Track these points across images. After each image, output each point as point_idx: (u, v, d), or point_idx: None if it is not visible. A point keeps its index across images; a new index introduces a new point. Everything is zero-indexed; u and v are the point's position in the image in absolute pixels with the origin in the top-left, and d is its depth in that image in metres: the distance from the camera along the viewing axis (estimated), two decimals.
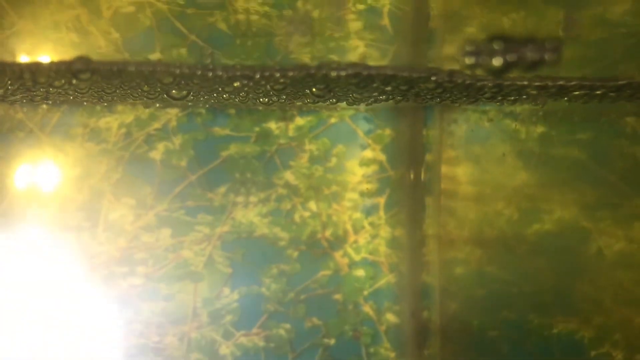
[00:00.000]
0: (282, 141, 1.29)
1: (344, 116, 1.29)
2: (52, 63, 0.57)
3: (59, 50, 1.13)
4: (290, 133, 1.29)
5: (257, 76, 0.60)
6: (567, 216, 1.27)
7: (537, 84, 0.59)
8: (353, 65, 0.58)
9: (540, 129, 1.26)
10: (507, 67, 0.44)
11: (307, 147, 1.29)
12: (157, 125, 1.24)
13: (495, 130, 1.28)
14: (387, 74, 0.58)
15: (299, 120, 1.29)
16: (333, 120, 1.29)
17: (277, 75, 0.60)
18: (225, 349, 1.27)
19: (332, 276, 1.30)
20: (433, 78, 0.58)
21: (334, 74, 0.58)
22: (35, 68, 0.59)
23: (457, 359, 1.32)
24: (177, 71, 0.59)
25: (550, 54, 0.43)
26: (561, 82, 0.62)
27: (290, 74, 0.59)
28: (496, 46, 0.43)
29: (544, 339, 1.26)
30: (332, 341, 1.30)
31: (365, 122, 1.30)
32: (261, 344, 1.28)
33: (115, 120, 1.23)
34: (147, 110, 1.23)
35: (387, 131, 1.31)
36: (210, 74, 0.60)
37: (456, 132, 1.32)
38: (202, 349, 1.26)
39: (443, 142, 1.33)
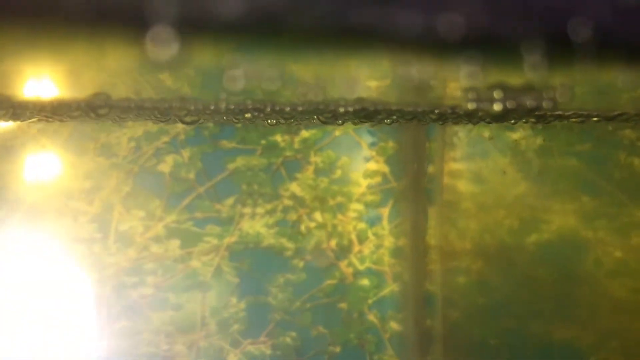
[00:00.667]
0: (288, 153, 1.32)
1: (348, 129, 1.32)
2: (72, 100, 0.60)
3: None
4: (296, 145, 1.32)
5: (268, 109, 0.63)
6: (566, 226, 1.29)
7: (536, 113, 0.62)
8: (359, 100, 0.61)
9: (539, 140, 1.29)
10: (506, 112, 0.47)
11: (313, 159, 1.32)
12: (165, 138, 1.27)
13: (496, 142, 1.30)
14: (392, 109, 0.61)
15: (305, 133, 1.32)
16: (337, 133, 1.32)
17: (288, 109, 0.63)
18: (233, 357, 1.30)
19: (337, 285, 1.34)
20: (436, 111, 0.61)
21: (341, 109, 0.61)
22: (56, 104, 0.62)
23: None
24: (192, 107, 0.62)
25: (548, 102, 0.46)
26: (559, 112, 0.65)
27: (300, 108, 0.62)
28: (496, 95, 0.46)
29: (544, 346, 1.29)
30: (338, 349, 1.33)
31: (369, 135, 1.33)
32: (268, 352, 1.31)
33: (125, 134, 1.26)
34: (156, 125, 1.26)
35: (391, 143, 1.34)
36: (224, 107, 0.62)
37: (458, 145, 1.35)
38: (211, 357, 1.29)
39: (445, 154, 1.36)
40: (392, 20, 0.31)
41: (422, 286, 1.36)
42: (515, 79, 0.43)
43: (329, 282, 1.33)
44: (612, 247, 1.27)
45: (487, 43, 0.33)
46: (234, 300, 1.30)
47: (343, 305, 1.34)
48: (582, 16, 0.31)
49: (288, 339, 1.32)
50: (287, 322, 1.32)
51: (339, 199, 1.33)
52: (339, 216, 1.33)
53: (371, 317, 1.35)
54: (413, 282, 1.35)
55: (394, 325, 1.35)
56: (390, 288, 1.35)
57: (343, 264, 1.33)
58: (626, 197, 1.23)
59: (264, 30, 0.31)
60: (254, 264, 1.31)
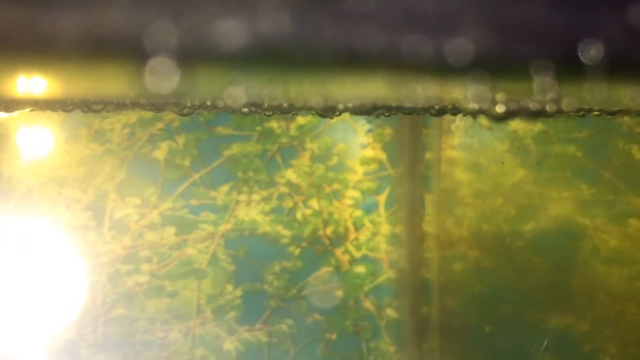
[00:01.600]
0: (283, 140, 1.30)
1: (345, 115, 1.31)
2: (67, 98, 0.58)
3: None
4: (292, 132, 1.31)
5: (266, 105, 0.62)
6: (563, 213, 1.29)
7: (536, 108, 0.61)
8: (358, 97, 0.60)
9: (538, 127, 1.28)
10: (509, 114, 0.46)
11: (309, 145, 1.31)
12: (160, 125, 1.26)
13: (494, 129, 1.29)
14: (391, 105, 0.60)
15: (301, 120, 1.30)
16: (334, 120, 1.31)
17: (285, 105, 0.62)
18: (229, 344, 1.30)
19: (333, 273, 1.33)
20: (436, 107, 0.60)
21: (340, 106, 0.60)
22: (50, 101, 0.61)
23: (455, 352, 1.36)
24: (189, 103, 0.61)
25: (551, 104, 0.45)
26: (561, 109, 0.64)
27: (298, 105, 0.61)
28: (499, 97, 0.45)
29: (540, 334, 1.29)
30: (334, 336, 1.33)
31: (365, 121, 1.32)
32: (264, 339, 1.31)
33: (119, 120, 1.24)
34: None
35: (387, 130, 1.33)
36: (221, 104, 0.61)
37: (455, 132, 1.34)
38: (207, 345, 1.29)
39: (442, 141, 1.35)
40: (399, 46, 0.30)
41: (419, 273, 1.35)
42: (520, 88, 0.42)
43: (325, 269, 1.33)
44: (609, 234, 1.27)
45: (496, 66, 0.32)
46: (229, 287, 1.30)
47: (339, 292, 1.34)
48: (592, 37, 0.30)
49: (284, 326, 1.32)
50: (283, 309, 1.32)
51: (335, 186, 1.32)
52: (335, 203, 1.32)
53: (367, 305, 1.34)
54: (409, 269, 1.35)
55: (390, 313, 1.35)
56: (387, 275, 1.35)
57: (339, 251, 1.33)
58: (624, 185, 1.23)
59: (267, 60, 0.30)
60: (250, 251, 1.30)
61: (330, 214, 1.32)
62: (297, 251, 1.32)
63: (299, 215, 1.31)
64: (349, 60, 0.30)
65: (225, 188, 1.29)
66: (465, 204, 1.33)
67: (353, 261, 1.34)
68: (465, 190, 1.33)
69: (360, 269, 1.34)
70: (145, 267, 1.26)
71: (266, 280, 1.31)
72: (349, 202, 1.33)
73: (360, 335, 1.34)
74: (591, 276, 1.26)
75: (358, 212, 1.33)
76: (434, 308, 1.36)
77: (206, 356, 1.29)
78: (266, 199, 1.30)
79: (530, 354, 1.29)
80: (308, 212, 1.32)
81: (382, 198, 1.34)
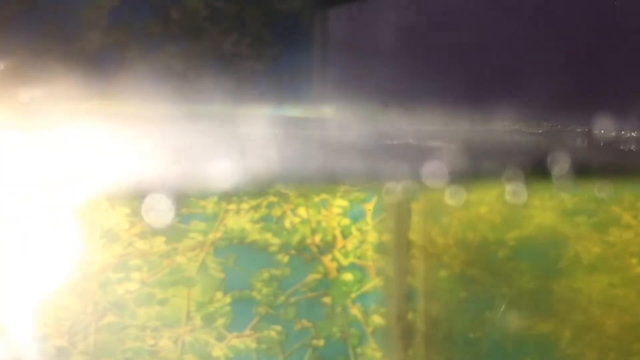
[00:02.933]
0: None
1: None
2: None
3: None
4: None
5: None
6: (546, 222, 1.32)
7: None
8: None
9: None
10: None
11: None
12: None
13: None
14: None
15: None
16: None
17: None
18: (218, 351, 1.32)
19: (321, 280, 1.35)
20: None
21: None
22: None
23: (440, 358, 1.38)
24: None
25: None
26: None
27: None
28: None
29: (522, 339, 1.32)
30: (321, 342, 1.35)
31: None
32: (253, 345, 1.33)
33: None
34: None
35: None
36: None
37: None
38: (196, 351, 1.31)
39: None
40: (378, 170, 0.33)
41: (405, 281, 1.38)
42: None
43: (313, 276, 1.35)
44: (591, 242, 1.30)
45: (468, 178, 0.35)
46: (219, 295, 1.31)
47: (327, 299, 1.36)
48: (559, 151, 0.33)
49: (273, 333, 1.34)
50: (272, 316, 1.34)
51: (323, 195, 1.34)
52: (324, 212, 1.34)
53: (354, 311, 1.37)
54: (396, 276, 1.37)
55: (376, 319, 1.37)
56: (374, 283, 1.37)
57: (327, 259, 1.35)
58: (604, 194, 1.26)
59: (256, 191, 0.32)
60: (239, 259, 1.32)
61: (319, 222, 1.34)
62: (286, 259, 1.34)
63: (287, 223, 1.33)
64: (331, 183, 0.33)
65: (214, 197, 1.30)
66: (450, 212, 1.36)
67: (341, 269, 1.36)
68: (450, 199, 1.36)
69: (348, 277, 1.36)
70: (136, 275, 1.27)
71: (255, 288, 1.33)
72: (337, 210, 1.35)
73: (347, 341, 1.37)
74: (573, 283, 1.29)
75: (346, 221, 1.35)
76: (420, 314, 1.38)
77: None
78: (255, 208, 1.32)
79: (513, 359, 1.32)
80: (296, 220, 1.33)
81: (369, 207, 1.36)
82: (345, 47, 1.22)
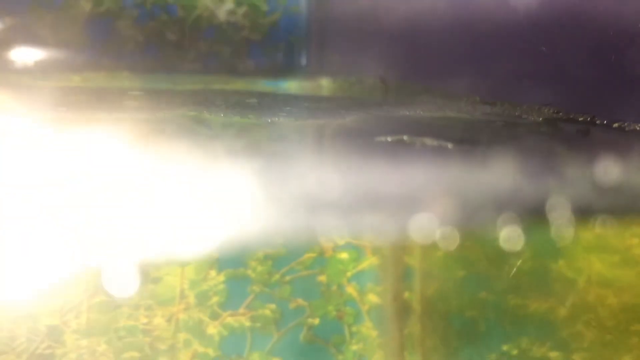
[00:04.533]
0: None
1: None
2: None
3: None
4: None
5: None
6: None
7: None
8: None
9: None
10: None
11: None
12: None
13: None
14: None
15: None
16: None
17: None
18: (212, 329, 1.30)
19: (316, 258, 1.34)
20: None
21: None
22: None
23: (436, 337, 1.37)
24: None
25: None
26: None
27: None
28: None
29: (519, 319, 1.31)
30: (316, 321, 1.34)
31: None
32: (247, 323, 1.32)
33: None
34: None
35: None
36: None
37: None
38: (190, 329, 1.29)
39: None
40: (362, 226, 0.32)
41: (401, 260, 1.37)
42: None
43: (309, 255, 1.33)
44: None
45: (459, 231, 0.34)
46: (213, 273, 1.30)
47: (322, 278, 1.34)
48: (559, 197, 0.32)
49: (267, 311, 1.32)
50: (266, 294, 1.32)
51: None
52: None
53: (350, 290, 1.35)
54: (392, 255, 1.36)
55: (372, 298, 1.36)
56: (370, 261, 1.36)
57: (323, 238, 1.33)
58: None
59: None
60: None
61: None
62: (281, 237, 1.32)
63: None
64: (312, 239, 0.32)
65: None
66: None
67: (336, 247, 1.34)
68: None
69: (344, 255, 1.35)
70: None
71: (249, 266, 1.31)
72: None
73: (342, 320, 1.36)
74: (571, 262, 1.28)
75: None
76: (416, 294, 1.37)
77: (189, 341, 1.29)
78: None
79: (510, 339, 1.31)
80: None
81: None
82: (344, 19, 1.19)
